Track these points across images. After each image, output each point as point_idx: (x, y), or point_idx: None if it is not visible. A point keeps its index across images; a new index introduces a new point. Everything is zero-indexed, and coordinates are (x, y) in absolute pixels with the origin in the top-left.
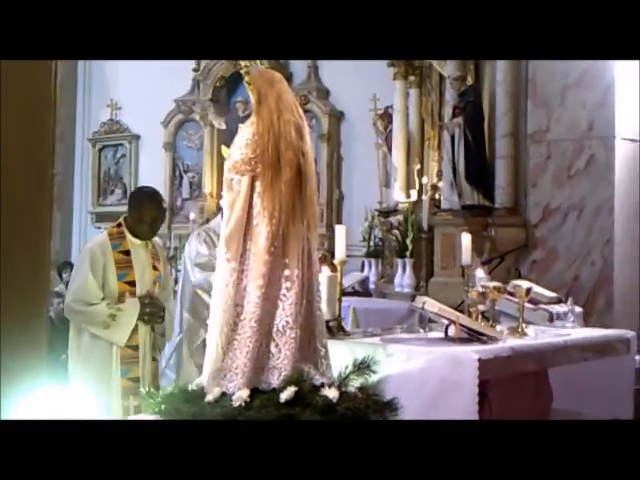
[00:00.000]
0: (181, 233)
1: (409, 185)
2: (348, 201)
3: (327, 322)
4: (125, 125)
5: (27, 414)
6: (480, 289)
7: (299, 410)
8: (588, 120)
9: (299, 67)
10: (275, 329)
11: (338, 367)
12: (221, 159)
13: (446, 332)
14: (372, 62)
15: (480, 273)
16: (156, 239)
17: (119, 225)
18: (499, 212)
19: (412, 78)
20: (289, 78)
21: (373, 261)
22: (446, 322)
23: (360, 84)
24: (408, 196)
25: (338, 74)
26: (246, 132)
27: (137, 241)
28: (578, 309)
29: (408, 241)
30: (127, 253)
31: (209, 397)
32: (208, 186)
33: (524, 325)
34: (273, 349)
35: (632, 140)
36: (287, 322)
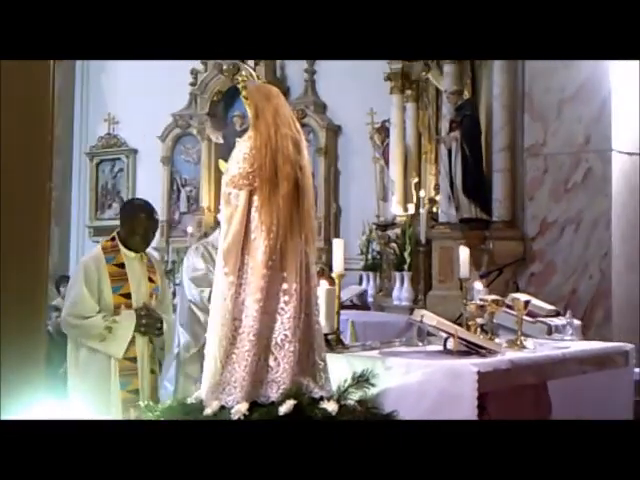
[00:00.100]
0: (179, 247)
1: (407, 199)
2: (346, 215)
3: (326, 335)
4: (122, 139)
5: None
6: (478, 302)
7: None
8: (585, 133)
9: (296, 81)
10: (273, 343)
11: (337, 380)
12: (219, 173)
13: (445, 345)
14: (369, 76)
15: (478, 286)
16: (153, 252)
17: (113, 239)
18: (497, 225)
19: (409, 92)
20: (286, 92)
21: (371, 274)
22: (445, 335)
23: (357, 98)
24: (406, 209)
25: (335, 88)
26: (244, 146)
27: (131, 254)
28: (576, 322)
29: (406, 254)
30: (122, 266)
31: (208, 411)
32: (206, 200)
33: (523, 338)
34: (272, 363)
35: (629, 153)
36: (285, 336)
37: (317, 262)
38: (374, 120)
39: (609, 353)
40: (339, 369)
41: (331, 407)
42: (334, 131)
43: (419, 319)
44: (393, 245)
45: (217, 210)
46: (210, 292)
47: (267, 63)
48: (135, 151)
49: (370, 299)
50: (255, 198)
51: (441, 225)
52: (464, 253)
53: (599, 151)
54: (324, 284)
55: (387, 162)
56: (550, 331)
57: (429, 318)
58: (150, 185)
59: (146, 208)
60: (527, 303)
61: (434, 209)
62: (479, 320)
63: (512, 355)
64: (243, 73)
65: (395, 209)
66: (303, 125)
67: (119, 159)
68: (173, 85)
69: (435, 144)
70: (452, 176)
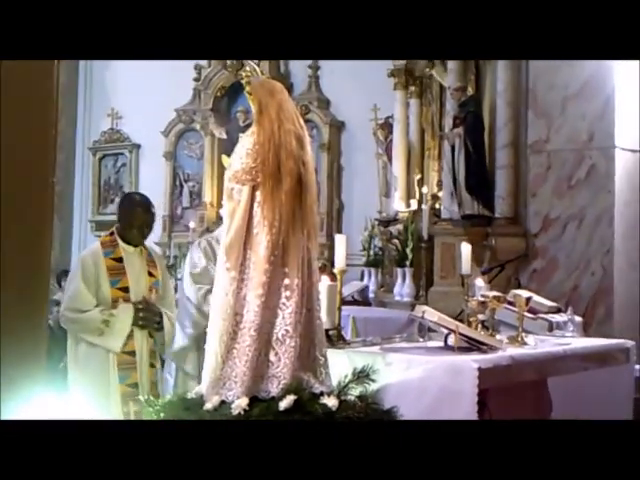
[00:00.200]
0: (181, 242)
1: (409, 195)
2: (348, 210)
3: (327, 331)
4: (126, 134)
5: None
6: (480, 298)
7: (298, 418)
8: (588, 131)
9: (300, 77)
10: (274, 338)
11: (337, 376)
12: (221, 168)
13: (446, 341)
14: (373, 72)
15: (480, 282)
16: (154, 247)
17: (111, 233)
18: (499, 222)
19: (412, 88)
20: (290, 88)
21: (373, 270)
22: (446, 331)
23: (361, 94)
24: (408, 206)
25: (339, 84)
26: (247, 142)
27: (130, 248)
28: (578, 319)
29: (408, 250)
30: (120, 260)
31: (208, 405)
32: (208, 195)
33: (524, 334)
34: (272, 358)
35: (632, 150)
36: (287, 331)
37: (319, 258)
38: (377, 116)
39: (610, 350)
40: (340, 365)
41: (331, 402)
42: (337, 127)
43: (420, 315)
44: (395, 241)
45: (220, 205)
46: (207, 291)
47: None
48: (138, 146)
49: (371, 295)
50: (258, 193)
51: (443, 221)
52: (466, 249)
53: (602, 148)
54: (326, 280)
55: (390, 158)
56: (551, 328)
57: (430, 314)
58: (153, 180)
59: (142, 202)
60: (528, 300)
61: (436, 205)
62: (480, 316)
63: (513, 351)
64: (247, 69)
65: (397, 205)
66: (306, 121)
67: (122, 154)
68: (176, 80)
69: (438, 140)
70: (455, 172)
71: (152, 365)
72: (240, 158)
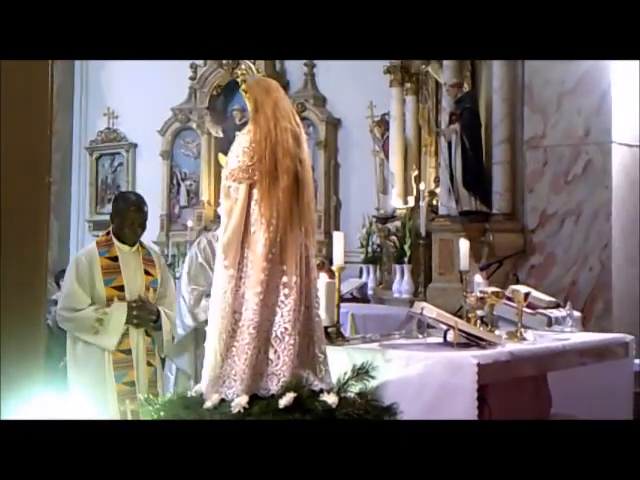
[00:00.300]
0: (179, 241)
1: (406, 191)
2: (345, 208)
3: (326, 328)
4: (122, 134)
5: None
6: (478, 294)
7: (298, 416)
8: (585, 126)
9: (296, 75)
10: (273, 335)
11: (337, 373)
12: (218, 167)
13: (445, 337)
14: (368, 70)
15: (478, 278)
16: (153, 246)
17: (108, 233)
18: (496, 218)
19: (408, 85)
20: (286, 86)
21: (371, 267)
22: (445, 327)
23: (357, 91)
24: (405, 202)
25: (335, 82)
26: (243, 140)
27: (125, 247)
28: (576, 314)
29: (406, 247)
30: (115, 259)
31: (208, 404)
32: (206, 194)
33: (523, 330)
34: (272, 355)
35: (629, 145)
36: (285, 329)
37: (317, 255)
38: (374, 113)
39: (609, 344)
40: (339, 362)
41: (331, 400)
42: (334, 124)
43: (419, 311)
44: (393, 238)
45: (217, 204)
46: (200, 292)
47: None
48: (135, 145)
49: (370, 292)
50: (255, 191)
51: (441, 218)
52: (464, 245)
53: (599, 143)
54: (324, 277)
55: (387, 155)
56: (550, 323)
57: (429, 310)
58: (150, 179)
59: (133, 201)
60: (527, 295)
61: (434, 202)
62: (479, 312)
63: (512, 347)
64: (242, 67)
65: (395, 202)
66: (303, 119)
67: (119, 153)
68: (172, 79)
69: (435, 137)
70: (452, 169)
71: (149, 364)
72: (237, 156)
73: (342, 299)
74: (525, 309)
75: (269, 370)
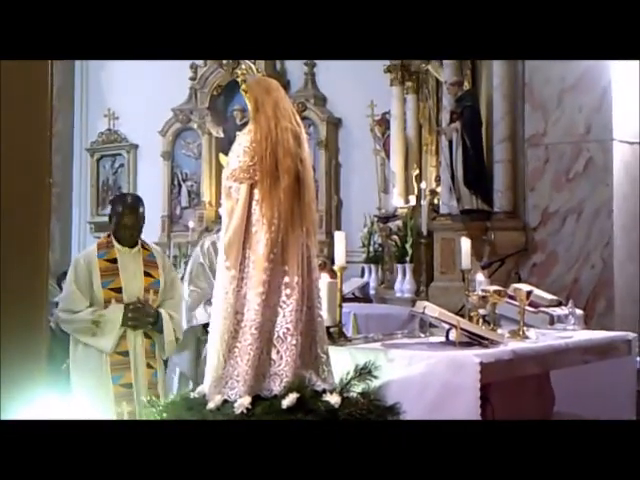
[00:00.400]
0: (180, 242)
1: (408, 190)
2: (347, 207)
3: (328, 328)
4: (123, 135)
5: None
6: (480, 293)
7: (301, 416)
8: (585, 123)
9: (296, 74)
10: (276, 336)
11: (339, 373)
12: (219, 167)
13: (447, 336)
14: (369, 69)
15: (480, 277)
16: (156, 247)
17: (109, 235)
18: (498, 216)
19: (409, 84)
20: (286, 86)
21: (373, 267)
22: (447, 326)
23: (357, 91)
24: (407, 201)
25: (335, 81)
26: (244, 140)
27: (125, 249)
28: (579, 312)
29: (407, 246)
30: (114, 261)
31: (211, 405)
32: (207, 194)
33: (525, 328)
34: (274, 356)
35: (630, 142)
36: (288, 329)
37: (319, 255)
38: (374, 112)
39: (612, 342)
40: (341, 362)
41: (334, 400)
42: (334, 124)
43: (421, 311)
44: (395, 237)
45: (218, 204)
46: (198, 295)
47: None
48: (136, 146)
49: (372, 291)
50: (256, 191)
51: (442, 216)
52: (466, 244)
53: (600, 141)
54: (326, 277)
55: (388, 154)
56: (552, 321)
57: (431, 310)
58: (151, 180)
59: (127, 203)
60: (529, 293)
61: (435, 201)
62: (481, 311)
63: (514, 345)
64: (243, 67)
65: (396, 201)
66: (303, 118)
67: (120, 155)
68: (173, 80)
69: (436, 135)
70: (453, 167)
71: (150, 366)
72: (237, 156)
73: (344, 299)
74: (527, 307)
75: (272, 371)
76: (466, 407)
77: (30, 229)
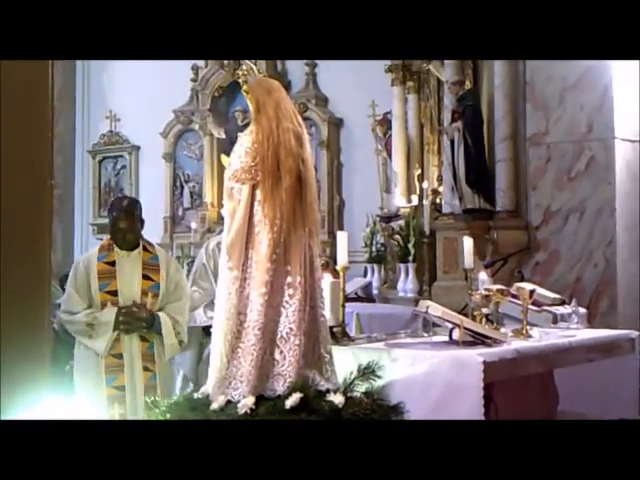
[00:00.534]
0: (183, 243)
1: (410, 190)
2: (349, 207)
3: (331, 328)
4: (124, 136)
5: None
6: (483, 292)
7: (305, 416)
8: (587, 122)
9: (297, 75)
10: (279, 336)
11: (343, 373)
12: (221, 168)
13: (450, 336)
14: (370, 69)
15: (483, 276)
16: (162, 250)
17: (111, 237)
18: (500, 215)
19: (410, 84)
20: (287, 86)
21: (375, 267)
22: (450, 326)
23: (358, 91)
24: (409, 201)
25: (336, 81)
26: (245, 141)
27: (124, 252)
28: (582, 310)
29: (410, 246)
30: (112, 264)
31: (214, 405)
32: (209, 195)
33: (528, 327)
34: (277, 356)
35: (631, 141)
36: (291, 329)
37: (321, 255)
38: (376, 112)
39: (615, 341)
40: (345, 361)
41: (337, 399)
42: (336, 124)
43: (424, 310)
44: (397, 237)
45: (221, 205)
46: (200, 295)
47: None
48: (137, 148)
49: (375, 291)
50: (258, 192)
51: (445, 216)
52: (468, 243)
53: (602, 139)
54: (328, 277)
55: (389, 154)
56: (555, 320)
57: (434, 309)
58: (153, 182)
59: (121, 206)
60: (532, 292)
61: (437, 200)
62: (484, 310)
63: (518, 344)
64: (244, 68)
65: (398, 201)
66: (305, 119)
67: (121, 156)
68: (174, 81)
69: (437, 135)
70: (455, 167)
71: (147, 369)
72: (239, 157)
73: (347, 299)
74: (530, 306)
75: (275, 371)
76: (470, 406)
77: (32, 230)
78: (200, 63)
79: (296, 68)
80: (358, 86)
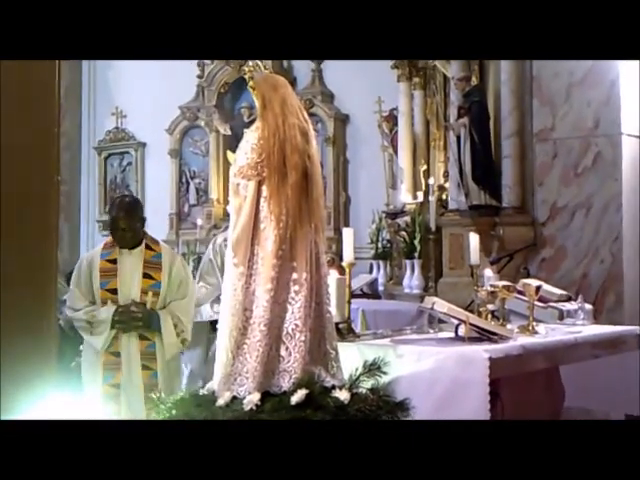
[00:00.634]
0: (188, 239)
1: (416, 186)
2: (355, 204)
3: (337, 324)
4: (130, 133)
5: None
6: (489, 288)
7: (310, 412)
8: (594, 117)
9: (303, 71)
10: (285, 332)
11: (348, 369)
12: (227, 165)
13: (456, 332)
14: (376, 64)
15: (489, 272)
16: (167, 248)
17: (111, 236)
18: (506, 211)
19: (416, 80)
20: (293, 82)
21: (381, 263)
22: (456, 322)
23: (364, 87)
24: (415, 197)
25: (342, 77)
26: (251, 137)
27: (124, 250)
28: (588, 306)
29: (416, 242)
30: (114, 262)
31: (220, 401)
32: (215, 192)
33: (534, 323)
34: (283, 352)
35: (638, 137)
36: (296, 325)
37: (327, 251)
38: (382, 108)
39: (621, 337)
40: (350, 358)
41: (343, 396)
42: (342, 120)
43: (430, 306)
44: (403, 233)
45: (226, 202)
46: (208, 291)
47: None
48: (143, 144)
49: (381, 287)
50: (264, 188)
51: (451, 212)
52: (474, 240)
53: (608, 135)
54: (334, 273)
55: (396, 150)
56: (562, 316)
57: (440, 305)
58: (159, 178)
59: (118, 205)
60: (538, 288)
61: (443, 196)
62: (490, 306)
63: (524, 341)
64: (250, 64)
65: (404, 197)
66: (311, 115)
67: (127, 153)
68: (180, 78)
69: (443, 131)
70: (461, 163)
71: (147, 367)
72: (245, 153)
73: (352, 295)
74: (536, 302)
75: (281, 367)
76: (475, 402)
77: (38, 226)
78: (206, 60)
79: (302, 64)
80: (364, 82)
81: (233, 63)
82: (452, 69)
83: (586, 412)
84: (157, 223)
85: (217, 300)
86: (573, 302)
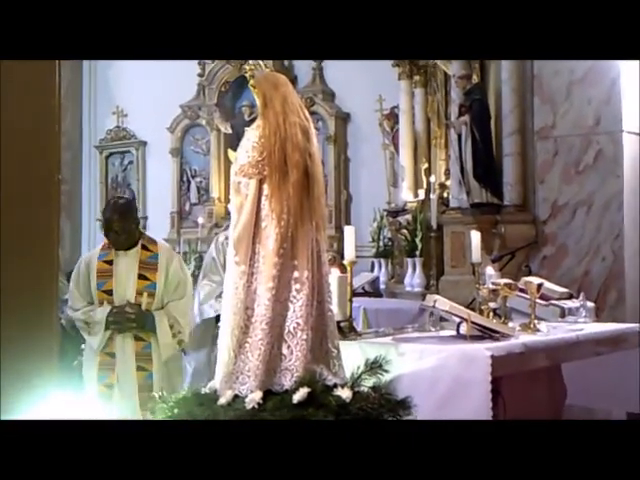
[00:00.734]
0: (190, 238)
1: (417, 184)
2: (356, 202)
3: (338, 323)
4: (131, 132)
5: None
6: (491, 286)
7: (312, 411)
8: (595, 115)
9: (304, 70)
10: (286, 331)
11: (350, 367)
12: (228, 164)
13: (458, 330)
14: (377, 63)
15: (490, 270)
16: (165, 247)
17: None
18: (508, 209)
19: (417, 78)
20: (294, 81)
21: (383, 261)
22: (458, 320)
23: (365, 85)
24: (416, 195)
25: (343, 76)
26: (252, 135)
27: (121, 251)
28: (590, 304)
29: (417, 240)
30: (110, 263)
31: (222, 400)
32: (216, 190)
33: (536, 321)
34: (285, 351)
35: (639, 134)
36: (298, 324)
37: (328, 250)
38: (383, 107)
39: (623, 334)
40: (352, 356)
41: (345, 394)
42: (343, 119)
43: (432, 304)
44: (404, 231)
45: (228, 200)
46: (211, 289)
47: None
48: (144, 143)
49: (382, 286)
50: (265, 186)
51: (452, 210)
52: (476, 238)
53: (609, 132)
54: (336, 272)
55: (397, 148)
56: (563, 314)
57: (442, 303)
58: (160, 177)
59: (111, 208)
60: (540, 286)
61: (445, 194)
62: (492, 304)
63: (526, 339)
64: (250, 62)
65: (406, 195)
66: (312, 113)
67: (128, 152)
68: (180, 76)
69: (445, 129)
70: (462, 161)
71: (142, 368)
72: (246, 152)
73: (354, 293)
74: (538, 300)
75: (282, 365)
76: (477, 401)
77: (40, 225)
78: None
79: (303, 63)
80: (365, 80)
81: (234, 62)
82: (453, 67)
83: (588, 410)
84: (158, 222)
85: (220, 297)
86: (575, 300)
